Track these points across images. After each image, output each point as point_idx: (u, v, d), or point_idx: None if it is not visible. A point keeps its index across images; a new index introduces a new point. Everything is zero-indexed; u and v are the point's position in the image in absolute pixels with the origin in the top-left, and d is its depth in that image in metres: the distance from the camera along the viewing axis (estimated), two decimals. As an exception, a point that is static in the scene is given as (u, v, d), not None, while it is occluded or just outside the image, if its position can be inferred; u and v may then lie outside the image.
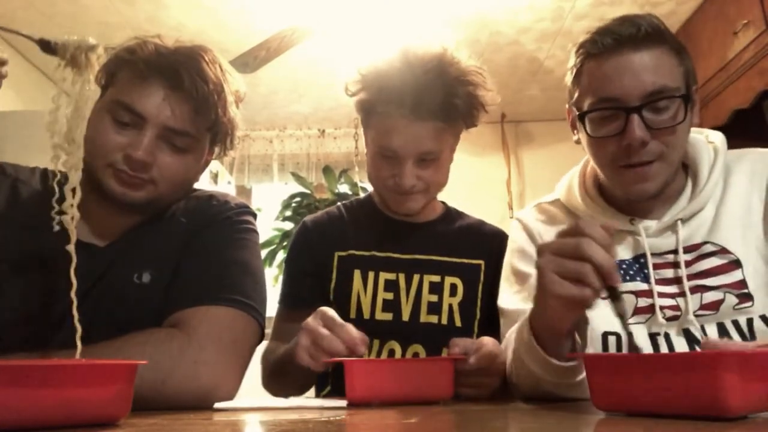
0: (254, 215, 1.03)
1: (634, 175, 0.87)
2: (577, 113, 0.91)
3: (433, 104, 1.01)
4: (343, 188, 3.39)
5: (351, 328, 0.81)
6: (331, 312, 0.84)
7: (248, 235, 0.97)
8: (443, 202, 1.28)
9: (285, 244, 3.18)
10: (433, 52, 1.03)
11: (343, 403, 0.77)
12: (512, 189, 3.62)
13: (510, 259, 1.05)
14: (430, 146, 1.04)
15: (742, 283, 0.85)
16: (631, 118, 0.83)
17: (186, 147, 0.90)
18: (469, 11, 2.62)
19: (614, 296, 0.67)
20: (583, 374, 0.75)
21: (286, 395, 1.06)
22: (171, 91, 0.87)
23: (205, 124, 0.91)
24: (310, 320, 0.84)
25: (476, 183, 3.54)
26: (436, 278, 1.14)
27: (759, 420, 0.52)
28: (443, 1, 2.53)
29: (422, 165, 1.07)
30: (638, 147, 0.84)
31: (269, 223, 3.37)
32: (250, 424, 0.61)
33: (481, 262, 1.17)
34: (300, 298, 1.18)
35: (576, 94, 0.92)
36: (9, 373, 0.47)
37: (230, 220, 0.97)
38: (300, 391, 1.13)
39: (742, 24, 2.19)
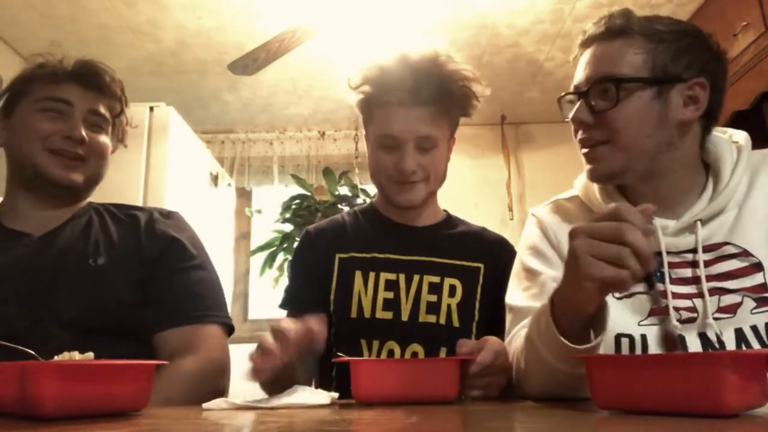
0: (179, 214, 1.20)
1: (586, 156, 0.93)
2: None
3: (429, 90, 1.09)
4: (343, 190, 3.39)
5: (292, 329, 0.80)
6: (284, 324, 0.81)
7: (197, 248, 1.14)
8: (445, 210, 1.30)
9: (285, 245, 3.18)
10: (429, 51, 1.13)
11: (324, 399, 0.77)
12: (512, 191, 3.62)
13: (522, 255, 1.02)
14: (428, 131, 1.11)
15: (763, 287, 0.83)
16: (580, 102, 0.92)
17: (103, 126, 1.09)
18: (469, 13, 2.62)
19: (651, 284, 0.67)
20: None
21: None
22: (86, 87, 1.07)
23: (113, 112, 1.12)
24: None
25: (476, 185, 3.54)
26: (436, 279, 1.15)
27: (758, 420, 0.52)
28: (443, 3, 2.53)
29: (422, 152, 1.12)
30: (577, 127, 0.92)
31: (269, 225, 3.38)
32: (250, 423, 0.61)
33: (481, 265, 1.18)
34: (304, 300, 1.18)
35: None
36: (64, 370, 0.58)
37: (180, 241, 1.11)
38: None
39: (742, 26, 2.19)
